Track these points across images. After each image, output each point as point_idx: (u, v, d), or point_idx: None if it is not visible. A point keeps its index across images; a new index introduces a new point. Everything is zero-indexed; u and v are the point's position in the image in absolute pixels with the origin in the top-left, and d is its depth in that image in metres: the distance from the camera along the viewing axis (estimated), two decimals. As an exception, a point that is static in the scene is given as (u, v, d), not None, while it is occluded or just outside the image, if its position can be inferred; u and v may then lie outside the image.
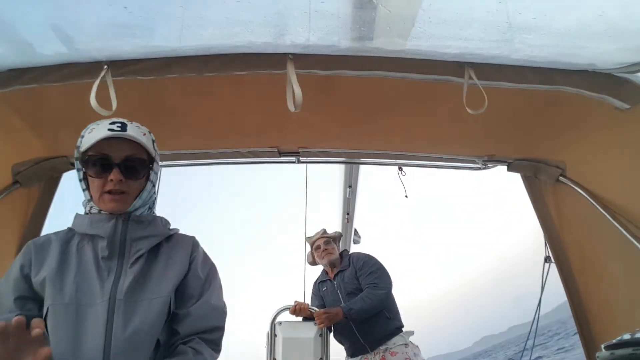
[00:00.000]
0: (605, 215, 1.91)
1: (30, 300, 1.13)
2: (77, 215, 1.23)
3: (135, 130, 1.18)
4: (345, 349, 2.90)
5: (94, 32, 1.33)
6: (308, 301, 2.74)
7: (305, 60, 1.48)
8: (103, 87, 1.44)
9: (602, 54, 1.53)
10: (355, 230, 4.63)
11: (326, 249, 3.07)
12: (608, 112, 1.73)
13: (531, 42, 1.45)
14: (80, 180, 1.20)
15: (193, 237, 1.34)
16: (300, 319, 2.67)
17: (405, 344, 2.72)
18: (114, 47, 1.40)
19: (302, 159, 2.39)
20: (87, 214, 1.22)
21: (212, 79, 1.58)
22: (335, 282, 2.98)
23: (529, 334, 2.47)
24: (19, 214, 2.04)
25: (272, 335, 2.60)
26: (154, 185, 1.27)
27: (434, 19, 1.31)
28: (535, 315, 2.47)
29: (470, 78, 1.53)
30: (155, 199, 1.30)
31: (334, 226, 4.67)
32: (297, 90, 1.39)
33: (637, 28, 1.34)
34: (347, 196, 3.96)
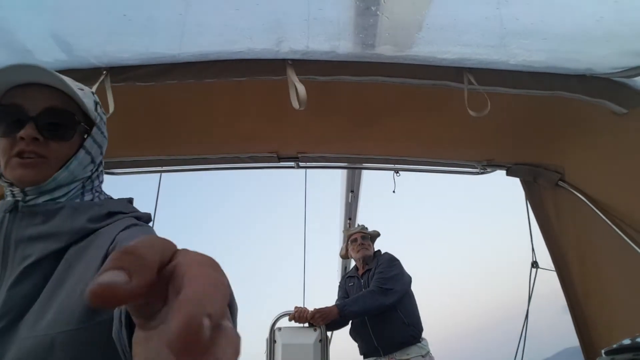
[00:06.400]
0: (604, 219, 1.91)
1: None
2: None
3: (67, 80, 0.82)
4: (359, 347, 2.87)
5: (93, 39, 1.33)
6: (307, 306, 2.72)
7: (304, 66, 1.49)
8: (102, 93, 1.44)
9: (600, 58, 1.54)
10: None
11: (363, 244, 3.07)
12: (606, 117, 1.73)
13: (529, 48, 1.46)
14: None
15: (132, 219, 0.83)
16: (300, 325, 2.64)
17: (422, 356, 2.64)
18: (114, 53, 1.41)
19: (301, 164, 2.39)
20: None
21: (211, 84, 1.58)
22: (362, 280, 2.97)
23: (518, 345, 2.45)
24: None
25: (272, 342, 2.58)
26: (92, 158, 0.86)
27: (432, 25, 1.32)
28: (523, 327, 2.46)
29: (470, 83, 1.54)
30: (94, 181, 0.88)
31: (335, 230, 4.65)
32: (300, 87, 1.39)
33: (635, 33, 1.35)
34: (349, 201, 3.94)
